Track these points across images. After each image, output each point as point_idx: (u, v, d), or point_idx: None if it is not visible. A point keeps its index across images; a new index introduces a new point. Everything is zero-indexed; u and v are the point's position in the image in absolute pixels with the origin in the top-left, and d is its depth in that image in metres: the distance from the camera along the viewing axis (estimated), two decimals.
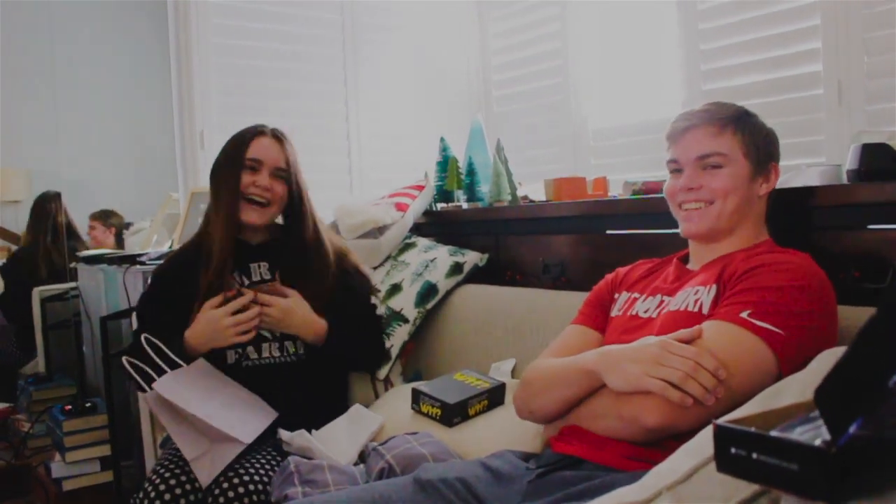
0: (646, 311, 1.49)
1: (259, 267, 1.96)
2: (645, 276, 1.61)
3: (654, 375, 1.19)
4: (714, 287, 1.38)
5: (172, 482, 1.65)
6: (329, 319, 1.91)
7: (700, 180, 1.46)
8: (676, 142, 1.50)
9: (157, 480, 1.66)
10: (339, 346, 1.92)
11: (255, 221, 1.91)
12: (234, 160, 1.89)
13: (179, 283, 1.91)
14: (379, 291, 2.22)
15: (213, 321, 1.79)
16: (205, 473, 1.63)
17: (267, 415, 1.79)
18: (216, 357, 1.86)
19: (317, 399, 1.92)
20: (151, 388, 1.67)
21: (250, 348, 1.88)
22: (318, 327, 1.89)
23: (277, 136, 1.94)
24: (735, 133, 1.45)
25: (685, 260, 1.58)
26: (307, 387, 1.91)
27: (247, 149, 1.89)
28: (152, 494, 1.63)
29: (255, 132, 1.93)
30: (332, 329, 1.90)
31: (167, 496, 1.63)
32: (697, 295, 1.40)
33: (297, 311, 1.86)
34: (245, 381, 1.85)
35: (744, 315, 1.24)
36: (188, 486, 1.66)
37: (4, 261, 4.05)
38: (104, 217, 4.45)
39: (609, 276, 1.69)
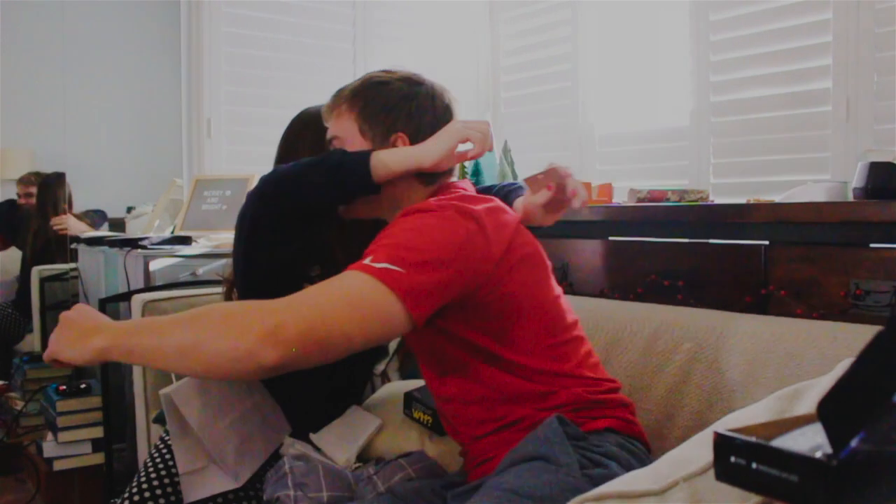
0: None
1: None
2: None
3: None
4: None
5: (164, 474, 1.64)
6: None
7: None
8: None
9: (151, 471, 1.65)
10: None
11: None
12: None
13: None
14: None
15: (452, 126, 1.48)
16: (190, 492, 1.60)
17: (275, 437, 1.72)
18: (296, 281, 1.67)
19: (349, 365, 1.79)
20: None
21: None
22: None
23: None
24: (350, 112, 1.43)
25: None
26: (302, 389, 1.84)
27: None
28: (144, 486, 1.63)
29: None
30: None
31: (159, 491, 1.62)
32: None
33: None
34: None
35: (366, 262, 1.17)
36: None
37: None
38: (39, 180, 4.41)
39: None
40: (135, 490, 1.64)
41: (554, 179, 1.44)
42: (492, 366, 1.30)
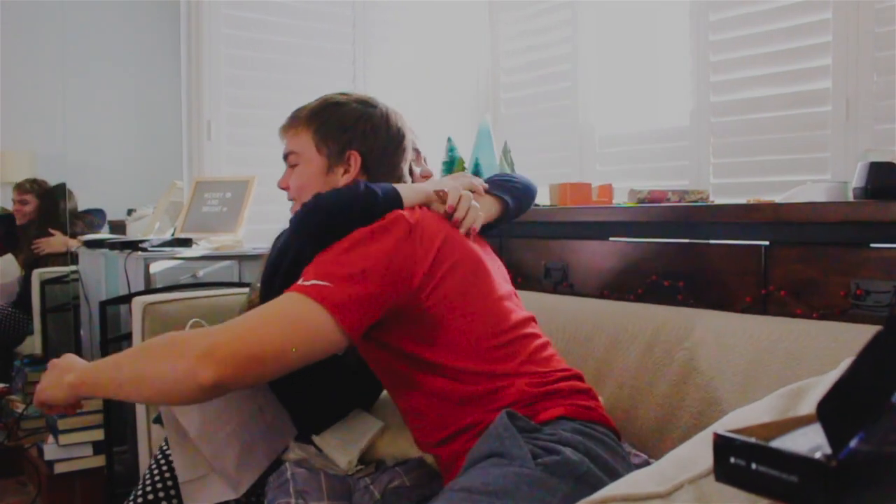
0: None
1: None
2: None
3: None
4: None
5: (169, 481, 1.65)
6: None
7: (287, 179, 1.55)
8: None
9: (156, 477, 1.66)
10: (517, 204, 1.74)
11: None
12: None
13: None
14: None
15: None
16: (190, 501, 1.59)
17: (278, 443, 1.71)
18: None
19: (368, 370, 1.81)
20: None
21: None
22: None
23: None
24: (307, 130, 1.51)
25: None
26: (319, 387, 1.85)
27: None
28: (150, 495, 1.63)
29: None
30: None
31: (162, 493, 1.63)
32: None
33: None
34: None
35: (299, 283, 1.25)
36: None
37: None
38: (37, 187, 4.40)
39: None
40: (140, 499, 1.64)
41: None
42: (432, 374, 1.33)
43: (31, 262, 3.70)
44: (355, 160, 1.49)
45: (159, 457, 1.73)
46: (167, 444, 1.73)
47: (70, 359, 1.38)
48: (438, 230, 1.36)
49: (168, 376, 1.16)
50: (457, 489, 1.13)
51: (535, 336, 1.42)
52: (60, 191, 4.02)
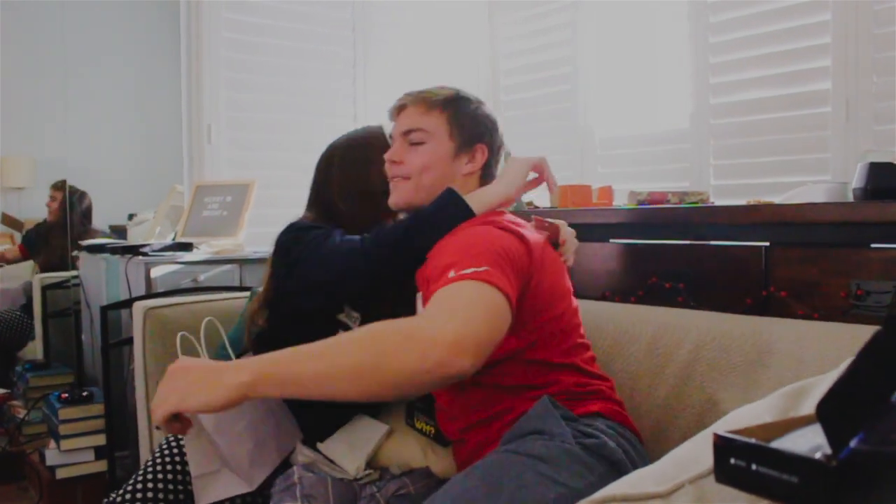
0: None
1: None
2: None
3: None
4: (419, 296, 1.45)
5: (169, 474, 1.65)
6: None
7: (403, 155, 1.53)
8: (393, 119, 1.58)
9: (155, 469, 1.66)
10: None
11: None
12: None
13: None
14: None
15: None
16: (204, 496, 1.61)
17: (288, 443, 1.72)
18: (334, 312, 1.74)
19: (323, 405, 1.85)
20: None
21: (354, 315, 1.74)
22: None
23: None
24: (442, 113, 1.52)
25: None
26: None
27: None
28: (149, 480, 1.64)
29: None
30: None
31: (161, 485, 1.63)
32: (419, 300, 1.46)
33: None
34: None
35: (457, 273, 1.22)
36: (181, 482, 1.65)
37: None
38: (63, 188, 4.44)
39: None
40: (139, 485, 1.65)
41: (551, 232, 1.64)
42: (511, 360, 1.37)
43: (49, 265, 3.71)
44: (482, 153, 1.54)
45: (163, 446, 1.73)
46: (167, 443, 1.73)
47: (200, 360, 1.25)
48: (539, 237, 1.46)
49: (410, 368, 1.08)
50: (501, 451, 1.20)
51: (589, 346, 1.50)
52: (80, 198, 4.04)
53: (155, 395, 1.19)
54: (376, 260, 1.56)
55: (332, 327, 1.70)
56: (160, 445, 1.75)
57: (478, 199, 1.50)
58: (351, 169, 1.79)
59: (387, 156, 1.56)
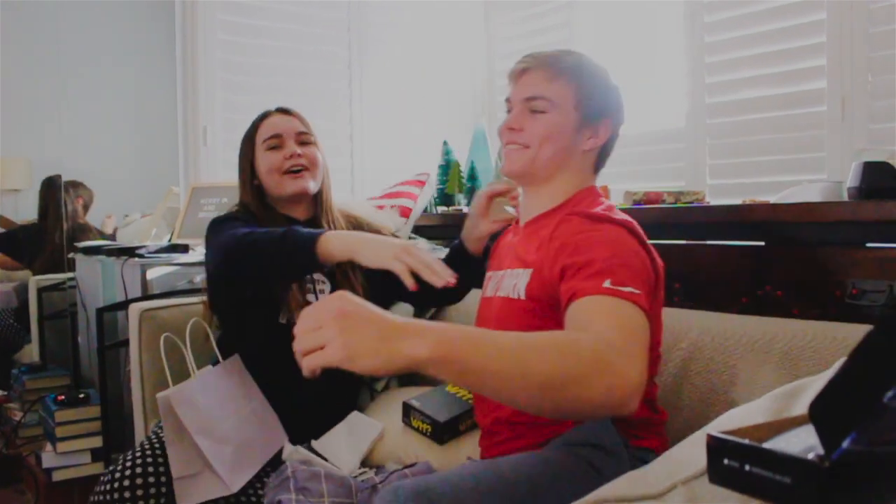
0: (489, 292, 1.51)
1: None
2: (494, 249, 1.64)
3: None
4: (529, 270, 1.36)
5: (151, 468, 1.63)
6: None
7: (523, 122, 1.43)
8: (514, 82, 1.48)
9: (138, 461, 1.64)
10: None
11: (304, 188, 1.81)
12: (247, 151, 1.88)
13: None
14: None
15: (397, 241, 1.56)
16: (185, 498, 1.57)
17: (272, 444, 1.72)
18: (268, 318, 1.79)
19: (344, 374, 1.83)
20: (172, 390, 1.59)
21: (298, 313, 1.80)
22: None
23: (286, 110, 1.91)
24: (569, 82, 1.42)
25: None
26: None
27: (256, 133, 1.86)
28: (127, 472, 1.61)
29: (263, 115, 1.91)
30: None
31: (139, 481, 1.60)
32: (517, 278, 1.39)
33: None
34: (286, 346, 1.78)
35: (606, 285, 1.15)
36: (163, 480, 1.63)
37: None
38: (73, 187, 4.43)
39: None
40: (128, 464, 1.64)
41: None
42: None
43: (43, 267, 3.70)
44: (606, 129, 1.46)
45: (144, 442, 1.72)
46: (148, 441, 1.71)
47: (370, 307, 0.97)
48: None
49: (595, 399, 0.99)
50: (560, 444, 1.21)
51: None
52: (58, 183, 4.02)
53: (306, 330, 0.96)
54: (217, 261, 1.65)
55: (273, 332, 1.76)
56: (141, 443, 1.73)
57: (326, 248, 1.50)
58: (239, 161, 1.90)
59: (506, 122, 1.46)
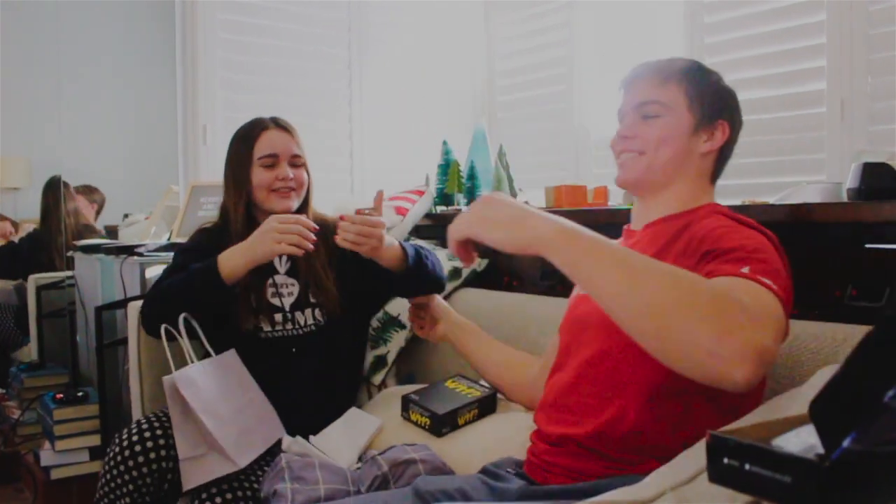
0: None
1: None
2: None
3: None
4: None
5: (158, 433, 1.68)
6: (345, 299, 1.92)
7: (636, 129, 1.41)
8: (624, 92, 1.47)
9: (143, 428, 1.68)
10: (417, 259, 1.82)
11: (289, 208, 1.90)
12: (244, 160, 1.90)
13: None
14: None
15: (265, 225, 1.73)
16: (190, 478, 1.61)
17: (272, 433, 1.75)
18: (232, 329, 1.84)
19: (329, 375, 1.90)
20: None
21: (263, 320, 1.86)
22: (395, 242, 1.80)
23: (283, 126, 1.95)
24: (680, 84, 1.39)
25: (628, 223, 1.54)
26: (320, 360, 1.88)
27: (256, 144, 1.89)
28: (135, 440, 1.66)
29: (260, 127, 1.92)
30: (401, 244, 1.82)
31: (141, 458, 1.65)
32: None
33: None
34: (260, 353, 1.84)
35: (745, 271, 1.10)
36: (163, 453, 1.67)
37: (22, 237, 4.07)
38: (88, 192, 4.45)
39: None
40: (134, 429, 1.68)
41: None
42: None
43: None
44: (723, 131, 1.42)
45: (151, 417, 1.74)
46: (147, 422, 1.73)
47: (513, 200, 1.11)
48: None
49: (698, 345, 0.92)
50: None
51: None
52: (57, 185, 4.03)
53: (457, 217, 1.14)
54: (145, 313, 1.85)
55: (241, 341, 1.84)
56: (138, 421, 1.74)
57: (225, 266, 1.71)
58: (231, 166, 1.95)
59: (618, 131, 1.46)
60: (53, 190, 3.93)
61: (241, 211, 1.90)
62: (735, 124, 1.44)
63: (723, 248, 1.18)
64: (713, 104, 1.40)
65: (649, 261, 1.02)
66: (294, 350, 1.88)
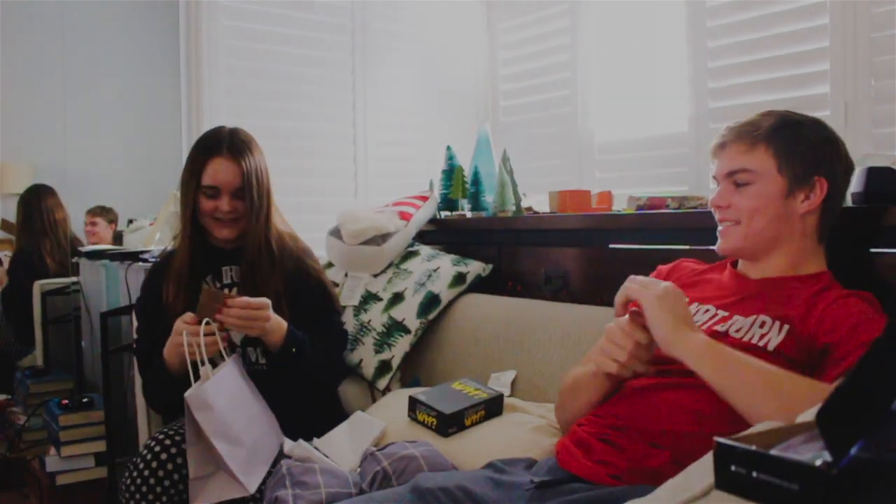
0: (697, 320, 1.41)
1: (230, 270, 1.96)
2: (694, 279, 1.55)
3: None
4: (786, 327, 1.31)
5: (173, 452, 1.69)
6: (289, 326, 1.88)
7: (729, 198, 1.41)
8: (716, 157, 1.46)
9: (150, 455, 1.69)
10: (299, 352, 1.85)
11: (228, 237, 1.92)
12: (190, 185, 1.88)
13: (159, 298, 1.90)
14: (342, 310, 2.16)
15: (173, 336, 1.74)
16: (198, 496, 1.62)
17: (275, 443, 1.76)
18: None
19: (290, 409, 1.86)
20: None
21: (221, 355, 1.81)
22: (279, 325, 1.82)
23: (234, 154, 1.88)
24: (768, 148, 1.38)
25: (736, 265, 1.53)
26: (276, 397, 1.84)
27: (202, 174, 1.86)
28: (151, 462, 1.68)
29: (210, 153, 1.88)
30: (291, 332, 1.83)
31: (158, 474, 1.67)
32: (764, 329, 1.33)
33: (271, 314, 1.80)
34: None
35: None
36: (183, 472, 1.68)
37: (11, 254, 4.07)
38: (104, 213, 4.47)
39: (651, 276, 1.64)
40: (146, 457, 1.69)
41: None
42: None
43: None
44: (821, 187, 1.38)
45: (159, 435, 1.75)
46: (156, 441, 1.74)
47: (683, 302, 1.28)
48: None
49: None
50: None
51: None
52: (48, 194, 4.03)
53: (651, 288, 1.28)
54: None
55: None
56: (154, 436, 1.76)
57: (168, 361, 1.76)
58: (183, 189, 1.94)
59: (713, 200, 1.45)
60: (34, 197, 3.94)
61: (185, 242, 1.90)
62: (835, 176, 1.40)
63: (851, 336, 1.24)
64: (805, 161, 1.38)
65: (778, 373, 1.17)
66: (256, 383, 1.82)
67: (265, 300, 1.75)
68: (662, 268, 1.65)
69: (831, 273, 1.42)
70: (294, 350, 1.82)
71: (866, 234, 1.55)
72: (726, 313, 1.40)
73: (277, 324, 1.80)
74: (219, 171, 1.87)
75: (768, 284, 1.41)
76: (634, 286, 1.29)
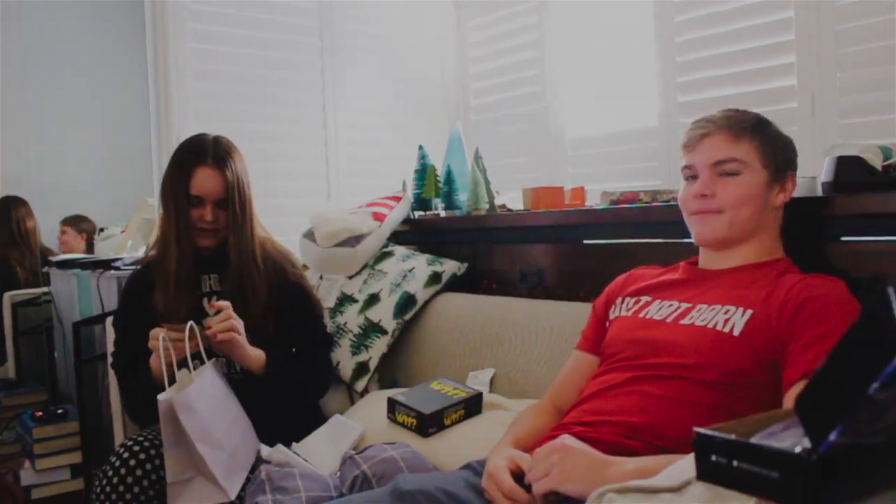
0: (661, 315, 1.45)
1: (209, 279, 1.95)
2: (655, 282, 1.57)
3: None
4: (749, 312, 1.33)
5: (142, 458, 1.67)
6: (267, 344, 1.87)
7: (714, 187, 1.43)
8: (693, 148, 1.47)
9: (119, 462, 1.67)
10: (276, 375, 1.86)
11: (209, 245, 1.92)
12: (178, 194, 1.87)
13: (144, 307, 1.88)
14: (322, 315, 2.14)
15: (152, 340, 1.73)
16: (178, 502, 1.60)
17: (252, 449, 1.75)
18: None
19: (268, 414, 1.85)
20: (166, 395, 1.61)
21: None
22: (257, 356, 1.83)
23: (218, 163, 1.88)
24: (752, 140, 1.43)
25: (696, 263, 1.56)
26: (253, 405, 1.83)
27: (189, 184, 1.85)
28: (120, 469, 1.65)
29: (195, 162, 1.87)
30: (270, 359, 1.84)
31: (127, 481, 1.64)
32: (728, 315, 1.35)
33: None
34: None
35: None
36: (153, 477, 1.66)
37: None
38: (76, 222, 4.42)
39: (607, 289, 1.65)
40: (117, 462, 1.66)
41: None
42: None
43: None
44: (793, 182, 1.47)
45: (128, 442, 1.72)
46: (125, 447, 1.71)
47: (589, 451, 1.22)
48: None
49: None
50: None
51: None
52: (16, 204, 3.99)
53: (534, 464, 1.24)
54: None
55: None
56: (118, 452, 1.72)
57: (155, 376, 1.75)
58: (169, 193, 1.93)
59: (694, 189, 1.46)
60: (4, 207, 3.90)
61: (174, 248, 1.87)
62: (795, 174, 1.50)
63: (813, 338, 1.24)
64: (783, 156, 1.46)
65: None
66: (234, 388, 1.81)
67: (226, 303, 1.78)
68: (619, 277, 1.67)
69: (790, 259, 1.47)
70: (271, 378, 1.84)
71: (838, 222, 1.57)
72: (689, 304, 1.43)
73: (256, 355, 1.81)
74: (204, 181, 1.87)
75: (730, 273, 1.45)
76: (541, 486, 1.20)
